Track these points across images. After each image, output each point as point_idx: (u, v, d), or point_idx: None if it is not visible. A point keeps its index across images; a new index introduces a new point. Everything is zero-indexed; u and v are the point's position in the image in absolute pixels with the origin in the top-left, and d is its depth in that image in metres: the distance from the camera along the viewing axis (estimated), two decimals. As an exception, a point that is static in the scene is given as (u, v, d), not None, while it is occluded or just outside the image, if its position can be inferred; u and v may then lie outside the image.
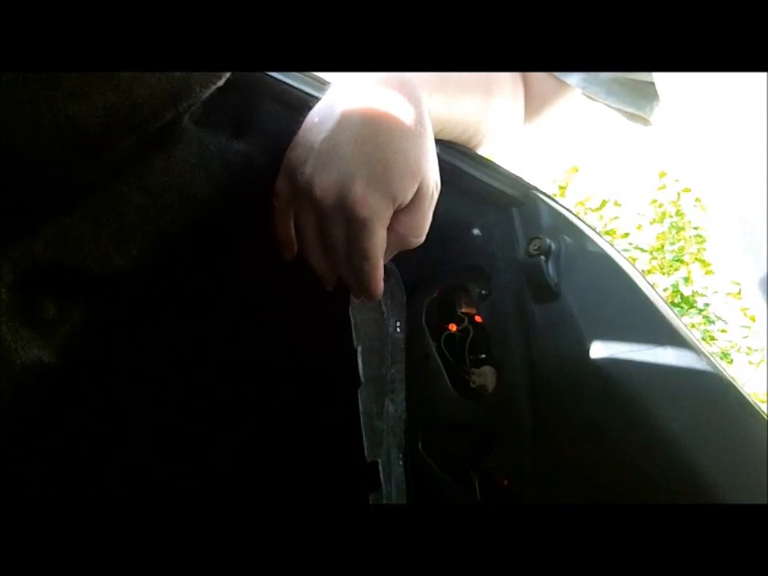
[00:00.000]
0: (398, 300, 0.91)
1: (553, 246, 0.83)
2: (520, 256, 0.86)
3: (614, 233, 6.49)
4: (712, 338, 5.65)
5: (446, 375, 0.91)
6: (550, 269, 0.82)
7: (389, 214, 0.61)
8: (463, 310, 0.94)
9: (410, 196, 0.61)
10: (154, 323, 0.62)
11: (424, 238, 0.67)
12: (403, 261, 0.81)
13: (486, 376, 0.88)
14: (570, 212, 0.89)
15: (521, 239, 0.87)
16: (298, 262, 0.68)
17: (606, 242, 0.86)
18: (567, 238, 0.85)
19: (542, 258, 0.82)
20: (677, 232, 6.19)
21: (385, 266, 0.73)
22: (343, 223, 0.61)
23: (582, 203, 6.63)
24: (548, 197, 0.89)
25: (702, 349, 0.75)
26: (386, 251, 0.64)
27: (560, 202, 0.89)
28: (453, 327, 0.94)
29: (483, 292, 0.90)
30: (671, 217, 6.32)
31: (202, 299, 0.66)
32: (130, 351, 0.60)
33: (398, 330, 0.90)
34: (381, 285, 0.66)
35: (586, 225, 0.88)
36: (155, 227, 0.57)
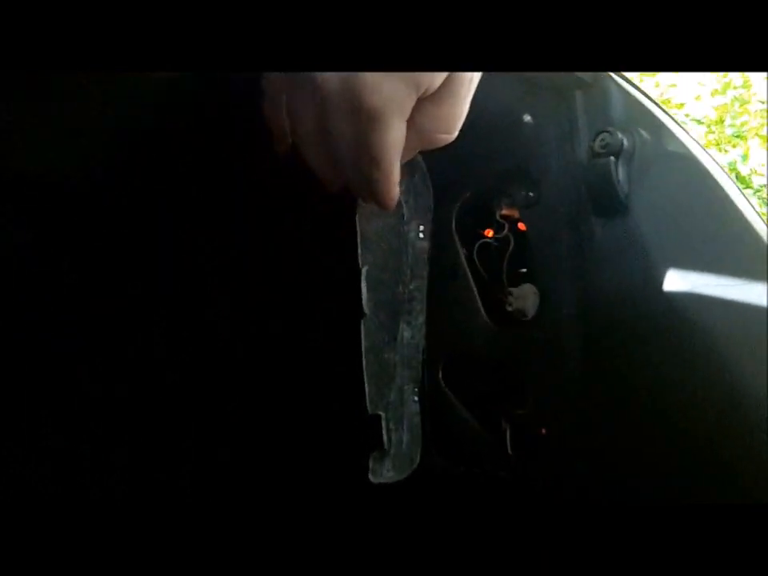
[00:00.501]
0: (423, 200, 0.74)
1: (625, 144, 0.65)
2: (581, 154, 0.68)
3: (669, 102, 6.04)
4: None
5: (476, 294, 0.76)
6: (620, 173, 0.65)
7: (410, 103, 0.45)
8: (504, 213, 0.78)
9: (439, 80, 0.45)
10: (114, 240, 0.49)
11: (456, 133, 0.51)
12: (431, 152, 0.65)
13: (525, 298, 0.73)
14: (651, 99, 0.70)
15: (584, 132, 0.69)
16: (294, 157, 0.53)
17: (698, 145, 0.68)
18: (644, 134, 0.66)
19: (611, 158, 0.64)
20: (740, 105, 5.73)
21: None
22: (349, 114, 0.45)
23: (637, 67, 6.14)
24: (622, 77, 0.70)
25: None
26: (405, 150, 0.49)
27: (638, 85, 0.70)
28: (489, 233, 0.78)
29: (530, 194, 0.73)
30: (736, 88, 5.84)
31: (172, 207, 0.52)
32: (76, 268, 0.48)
33: (421, 235, 0.75)
34: (395, 193, 0.51)
35: (671, 118, 0.69)
36: (108, 119, 0.44)
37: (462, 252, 0.77)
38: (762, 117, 5.69)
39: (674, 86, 6.03)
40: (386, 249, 0.69)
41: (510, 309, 0.74)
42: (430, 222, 0.75)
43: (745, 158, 5.46)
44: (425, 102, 0.47)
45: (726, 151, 5.59)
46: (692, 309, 0.61)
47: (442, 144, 0.51)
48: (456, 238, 0.77)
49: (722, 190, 0.66)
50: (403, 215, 0.73)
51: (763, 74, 5.52)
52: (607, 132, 0.65)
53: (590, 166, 0.66)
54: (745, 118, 5.70)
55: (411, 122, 0.47)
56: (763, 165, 5.55)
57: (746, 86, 5.75)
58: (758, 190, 5.35)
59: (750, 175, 5.42)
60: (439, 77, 0.44)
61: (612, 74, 0.70)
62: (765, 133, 5.71)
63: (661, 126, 0.67)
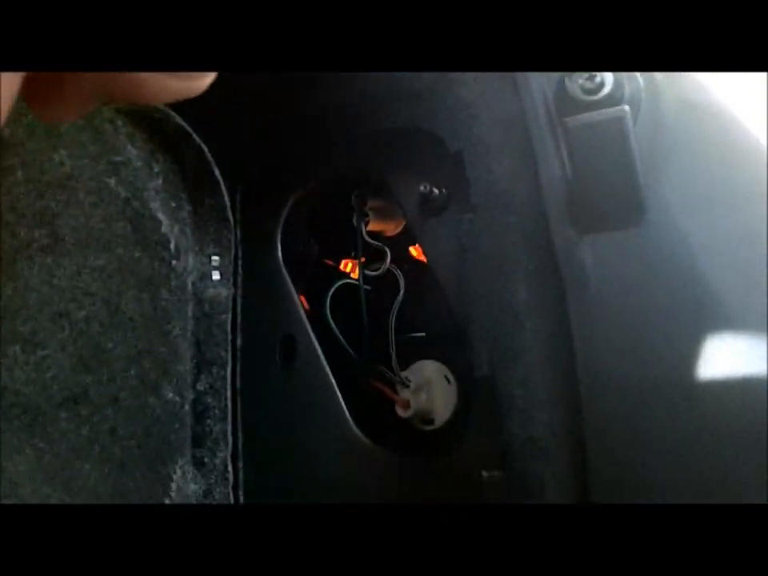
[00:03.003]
0: (214, 210, 0.40)
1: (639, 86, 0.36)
2: (543, 110, 0.37)
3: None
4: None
5: (336, 387, 0.41)
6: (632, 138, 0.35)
7: None
8: (371, 228, 0.44)
9: None
10: None
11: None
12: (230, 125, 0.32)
13: (429, 386, 0.40)
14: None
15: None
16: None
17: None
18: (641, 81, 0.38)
19: (624, 108, 0.34)
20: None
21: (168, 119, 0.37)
22: None
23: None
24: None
25: None
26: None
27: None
28: (348, 267, 0.45)
29: (435, 191, 0.40)
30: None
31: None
32: None
33: (216, 276, 0.40)
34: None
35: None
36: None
37: (299, 307, 0.43)
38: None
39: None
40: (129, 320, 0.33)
41: (404, 414, 0.40)
42: (231, 249, 0.40)
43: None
44: None
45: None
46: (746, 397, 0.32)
47: (176, 97, 0.23)
48: (287, 278, 0.43)
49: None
50: (168, 242, 0.37)
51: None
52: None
53: (577, 125, 0.35)
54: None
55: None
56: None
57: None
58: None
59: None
60: None
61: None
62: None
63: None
